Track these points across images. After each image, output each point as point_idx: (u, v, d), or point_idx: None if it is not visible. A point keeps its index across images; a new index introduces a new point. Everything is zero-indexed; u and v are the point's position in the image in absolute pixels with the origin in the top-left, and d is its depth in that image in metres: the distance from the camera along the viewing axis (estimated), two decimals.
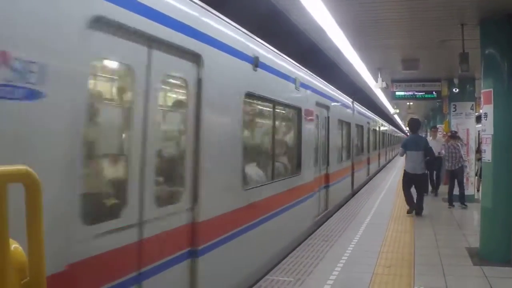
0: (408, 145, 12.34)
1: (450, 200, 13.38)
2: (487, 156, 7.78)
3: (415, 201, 12.08)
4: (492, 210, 7.76)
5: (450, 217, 12.00)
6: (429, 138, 16.94)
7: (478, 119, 16.86)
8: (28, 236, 1.71)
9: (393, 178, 22.64)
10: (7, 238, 1.64)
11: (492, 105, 7.66)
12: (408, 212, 12.02)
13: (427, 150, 12.10)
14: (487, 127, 7.78)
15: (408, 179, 12.17)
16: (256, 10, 9.27)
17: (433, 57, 11.56)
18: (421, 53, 11.12)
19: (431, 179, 16.32)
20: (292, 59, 9.10)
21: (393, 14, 7.97)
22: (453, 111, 14.85)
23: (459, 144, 13.34)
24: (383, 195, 16.34)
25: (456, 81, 14.60)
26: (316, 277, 6.74)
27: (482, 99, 8.00)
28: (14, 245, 1.69)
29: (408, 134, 50.81)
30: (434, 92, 15.24)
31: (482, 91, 8.01)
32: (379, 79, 13.36)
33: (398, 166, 30.52)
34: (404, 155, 12.41)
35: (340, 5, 7.26)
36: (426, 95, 15.32)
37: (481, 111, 8.15)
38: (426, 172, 12.83)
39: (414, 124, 13.08)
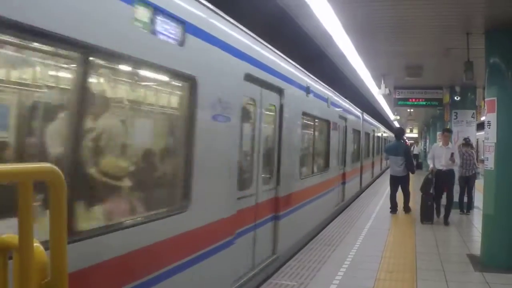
0: (390, 151, 14.18)
1: (461, 206, 13.51)
2: (490, 164, 7.81)
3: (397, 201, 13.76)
4: (494, 217, 7.80)
5: (451, 223, 11.98)
6: (439, 144, 12.50)
7: (479, 127, 16.91)
8: (50, 235, 1.72)
9: None
10: (32, 236, 1.65)
11: (495, 114, 7.71)
12: (391, 211, 13.61)
13: (406, 155, 13.52)
14: (490, 135, 7.81)
15: (392, 181, 13.89)
16: (265, 14, 9.28)
17: (436, 64, 11.60)
18: (425, 60, 11.16)
19: (437, 203, 12.32)
20: (297, 63, 9.11)
21: (400, 21, 8.01)
22: (454, 119, 14.85)
23: (473, 151, 13.50)
24: (383, 201, 16.34)
25: (457, 89, 14.61)
26: (319, 281, 6.75)
27: (485, 107, 8.04)
28: (35, 244, 1.69)
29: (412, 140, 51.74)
30: (435, 100, 15.33)
31: (486, 99, 8.04)
32: (383, 86, 13.39)
33: None
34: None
35: (348, 10, 7.29)
36: (428, 103, 15.38)
37: (482, 119, 8.21)
38: (407, 174, 13.58)
39: (398, 132, 15.32)
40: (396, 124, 37.12)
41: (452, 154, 11.79)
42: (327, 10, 7.17)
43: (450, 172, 12.00)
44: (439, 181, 12.01)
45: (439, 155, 12.00)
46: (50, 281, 1.72)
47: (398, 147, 13.86)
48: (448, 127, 14.05)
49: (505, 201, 7.60)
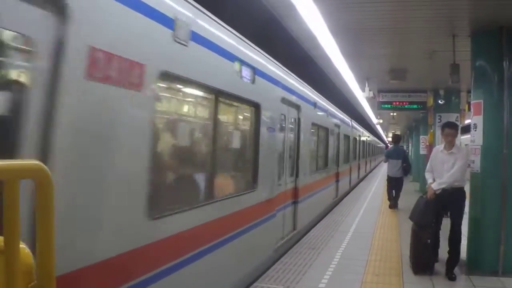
0: (390, 155, 15.94)
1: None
2: (476, 166, 7.80)
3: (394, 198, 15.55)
4: (480, 220, 7.77)
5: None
6: (440, 148, 7.93)
7: (463, 130, 16.99)
8: (38, 236, 1.64)
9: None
10: (18, 238, 1.57)
11: (481, 116, 7.71)
12: (390, 207, 15.30)
13: (404, 158, 15.51)
14: (476, 138, 7.81)
15: (390, 181, 15.68)
16: (252, 16, 9.25)
17: (421, 67, 11.64)
18: (409, 63, 11.20)
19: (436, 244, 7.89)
20: (284, 65, 9.11)
21: (385, 23, 8.01)
22: (438, 122, 14.91)
23: None
24: (368, 203, 16.40)
25: (441, 92, 14.72)
26: (305, 285, 6.69)
27: (472, 110, 8.05)
28: (20, 246, 1.61)
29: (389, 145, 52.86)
30: (419, 103, 15.42)
31: (472, 102, 8.05)
32: (367, 89, 13.41)
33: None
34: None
35: (334, 12, 7.27)
36: (412, 106, 15.45)
37: (466, 122, 8.19)
38: (403, 175, 15.58)
39: (396, 138, 16.98)
40: (379, 128, 37.41)
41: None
42: (313, 12, 7.15)
43: (458, 192, 7.44)
44: (441, 206, 7.61)
45: (440, 166, 7.74)
46: (37, 285, 1.64)
47: (397, 151, 15.85)
48: (448, 122, 9.06)
49: (491, 204, 7.60)
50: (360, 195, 19.49)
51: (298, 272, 7.30)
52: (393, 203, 15.32)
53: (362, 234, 10.63)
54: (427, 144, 18.67)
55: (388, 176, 15.80)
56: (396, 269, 7.66)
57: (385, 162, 16.54)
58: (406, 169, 15.41)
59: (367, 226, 11.80)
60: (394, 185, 15.51)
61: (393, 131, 41.74)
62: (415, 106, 15.50)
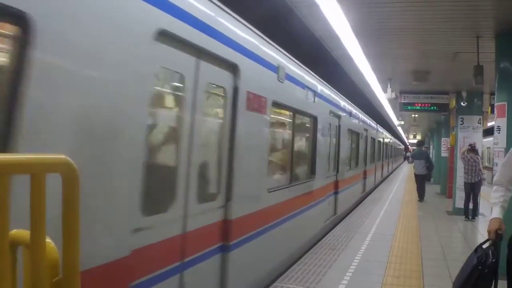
0: (414, 156, 20.21)
1: (467, 212, 13.45)
2: None
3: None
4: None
5: (455, 230, 11.93)
6: None
7: (486, 133, 16.77)
8: (63, 231, 1.64)
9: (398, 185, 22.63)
10: (44, 233, 1.58)
11: (505, 119, 7.60)
12: (419, 200, 18.18)
13: (427, 160, 18.99)
14: (500, 141, 7.71)
15: (416, 178, 18.97)
16: (275, 16, 9.26)
17: (444, 69, 11.52)
18: (432, 64, 11.08)
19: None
20: (305, 65, 9.08)
21: (408, 23, 7.94)
22: (461, 124, 14.76)
23: (478, 157, 13.40)
24: (388, 205, 16.28)
25: (464, 94, 14.53)
26: (325, 285, 6.66)
27: (495, 112, 7.95)
28: (46, 240, 1.62)
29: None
30: (441, 105, 15.31)
31: (496, 104, 7.95)
32: (389, 90, 13.31)
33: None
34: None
35: (358, 13, 7.24)
36: (434, 108, 15.31)
37: (488, 125, 8.10)
38: (426, 173, 19.06)
39: (419, 142, 21.85)
40: (400, 130, 37.50)
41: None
42: (336, 12, 7.12)
43: None
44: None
45: None
46: (62, 279, 1.65)
47: (420, 153, 19.67)
48: None
49: None
50: (381, 196, 19.38)
51: (318, 273, 7.27)
52: (421, 197, 18.36)
53: (382, 236, 10.56)
54: (449, 146, 18.58)
55: (415, 174, 19.23)
56: (416, 272, 7.58)
57: (411, 163, 20.28)
58: (429, 167, 18.92)
59: (387, 227, 11.71)
60: (420, 180, 18.63)
61: (413, 133, 41.66)
62: (437, 108, 15.37)
